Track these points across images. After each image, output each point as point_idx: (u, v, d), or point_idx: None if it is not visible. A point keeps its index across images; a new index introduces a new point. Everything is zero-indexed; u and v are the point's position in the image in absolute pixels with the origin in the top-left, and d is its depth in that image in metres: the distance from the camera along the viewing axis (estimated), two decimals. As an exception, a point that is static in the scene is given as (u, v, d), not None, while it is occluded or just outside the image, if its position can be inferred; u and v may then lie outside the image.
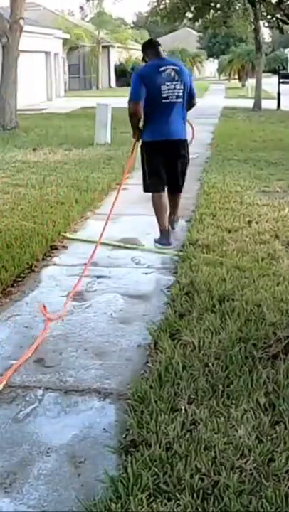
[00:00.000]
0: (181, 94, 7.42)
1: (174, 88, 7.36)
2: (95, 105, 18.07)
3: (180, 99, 7.45)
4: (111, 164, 13.42)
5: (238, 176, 11.95)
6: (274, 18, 30.78)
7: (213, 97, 42.55)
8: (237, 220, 8.52)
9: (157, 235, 7.81)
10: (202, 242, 7.46)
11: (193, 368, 4.45)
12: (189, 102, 7.66)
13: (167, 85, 7.33)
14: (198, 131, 20.27)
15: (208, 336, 4.89)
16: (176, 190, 7.97)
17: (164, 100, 7.34)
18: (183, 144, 7.78)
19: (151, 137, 7.57)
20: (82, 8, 74.94)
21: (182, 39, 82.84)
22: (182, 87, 7.42)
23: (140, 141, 7.77)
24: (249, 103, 31.77)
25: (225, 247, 7.31)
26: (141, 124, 7.61)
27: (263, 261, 6.77)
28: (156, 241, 7.78)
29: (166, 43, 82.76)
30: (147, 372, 4.57)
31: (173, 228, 8.08)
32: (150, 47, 7.83)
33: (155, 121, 7.48)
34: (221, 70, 71.05)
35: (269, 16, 31.52)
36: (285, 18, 28.87)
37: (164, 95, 7.32)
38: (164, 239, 7.73)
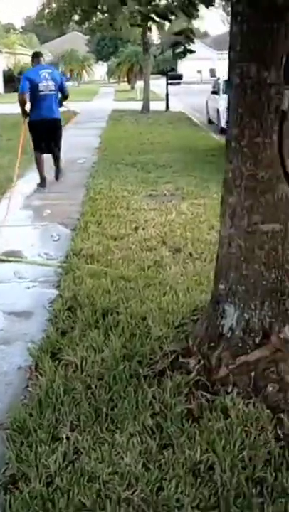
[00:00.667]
0: (52, 88, 11.30)
1: (48, 84, 11.24)
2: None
3: (52, 92, 11.32)
4: (-6, 173, 12.95)
5: (125, 180, 11.71)
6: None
7: (102, 101, 42.39)
8: (123, 227, 8.28)
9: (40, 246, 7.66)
10: (86, 252, 7.19)
11: (75, 391, 4.18)
12: (62, 93, 11.64)
13: (43, 83, 11.18)
14: (85, 135, 20.21)
15: (91, 355, 4.63)
16: (52, 151, 11.87)
17: (40, 92, 11.15)
18: (55, 121, 11.69)
19: (34, 118, 11.27)
20: None
21: (71, 43, 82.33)
22: (53, 83, 11.31)
23: (28, 119, 11.35)
24: (138, 105, 31.69)
25: (110, 256, 7.07)
26: (28, 107, 11.08)
27: (149, 269, 6.55)
28: (37, 184, 11.72)
29: (55, 47, 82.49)
30: (27, 397, 4.28)
31: (57, 179, 12.08)
32: (35, 57, 11.89)
33: (36, 107, 11.13)
34: (110, 73, 71.05)
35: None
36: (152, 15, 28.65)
37: (40, 89, 11.14)
38: (42, 183, 11.70)
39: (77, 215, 9.25)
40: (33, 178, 11.90)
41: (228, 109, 4.21)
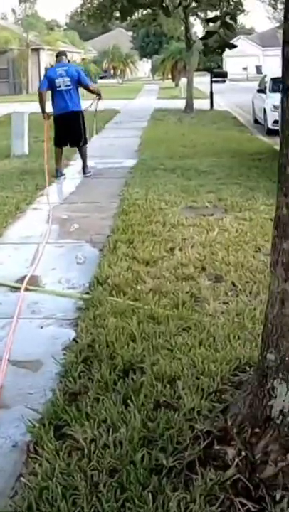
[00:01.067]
0: (68, 83, 12.12)
1: (64, 80, 12.11)
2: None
3: (69, 87, 12.13)
4: (24, 180, 12.02)
5: (164, 189, 10.68)
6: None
7: (145, 99, 41.48)
8: (157, 248, 7.28)
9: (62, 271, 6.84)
10: (113, 281, 6.20)
11: (77, 494, 3.20)
12: (84, 86, 12.70)
13: (59, 79, 12.12)
14: (125, 136, 19.27)
15: (104, 435, 3.64)
16: (76, 144, 12.73)
17: (57, 88, 12.13)
18: (74, 113, 12.32)
19: (55, 112, 12.38)
20: (14, 10, 72.33)
21: (115, 39, 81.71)
22: (69, 79, 12.13)
23: (50, 116, 12.49)
24: (182, 104, 30.57)
25: (140, 286, 6.08)
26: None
27: (184, 306, 5.54)
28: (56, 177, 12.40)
29: (99, 44, 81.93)
30: (18, 494, 3.32)
31: (84, 173, 12.77)
32: (57, 56, 13.22)
33: (55, 102, 12.31)
34: (154, 69, 70.05)
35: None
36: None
37: (57, 85, 12.11)
38: (57, 173, 12.49)
39: (107, 231, 8.30)
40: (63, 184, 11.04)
41: (282, 122, 3.20)
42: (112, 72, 72.00)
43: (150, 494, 3.14)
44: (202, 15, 31.45)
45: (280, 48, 3.28)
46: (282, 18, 2.99)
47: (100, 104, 14.04)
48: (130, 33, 79.86)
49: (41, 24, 61.96)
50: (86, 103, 13.72)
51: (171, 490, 3.17)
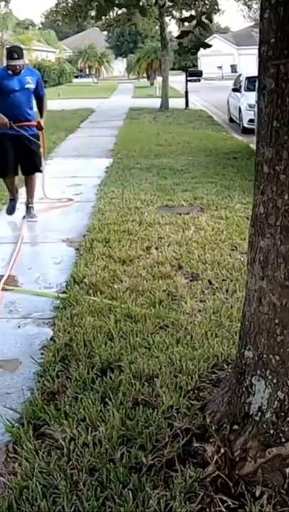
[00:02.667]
0: None
1: None
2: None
3: None
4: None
5: (139, 188, 10.69)
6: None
7: (120, 97, 41.44)
8: (134, 247, 7.29)
9: (38, 271, 6.82)
10: (89, 280, 6.20)
11: (57, 492, 3.20)
12: None
13: None
14: (100, 135, 19.24)
15: (82, 433, 3.64)
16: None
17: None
18: None
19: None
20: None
21: (91, 38, 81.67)
22: None
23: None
24: (157, 103, 30.66)
25: (117, 285, 6.09)
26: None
27: (161, 304, 5.55)
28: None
29: (74, 43, 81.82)
30: (-1, 493, 3.32)
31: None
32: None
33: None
34: (129, 69, 70.12)
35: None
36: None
37: None
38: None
39: (84, 230, 8.29)
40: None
41: (258, 121, 3.21)
42: (87, 71, 72.03)
43: (130, 492, 3.15)
44: (177, 14, 31.56)
45: (256, 47, 3.30)
46: (258, 18, 3.01)
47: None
48: (105, 32, 79.83)
49: (13, 23, 61.47)
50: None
51: (151, 488, 3.18)
